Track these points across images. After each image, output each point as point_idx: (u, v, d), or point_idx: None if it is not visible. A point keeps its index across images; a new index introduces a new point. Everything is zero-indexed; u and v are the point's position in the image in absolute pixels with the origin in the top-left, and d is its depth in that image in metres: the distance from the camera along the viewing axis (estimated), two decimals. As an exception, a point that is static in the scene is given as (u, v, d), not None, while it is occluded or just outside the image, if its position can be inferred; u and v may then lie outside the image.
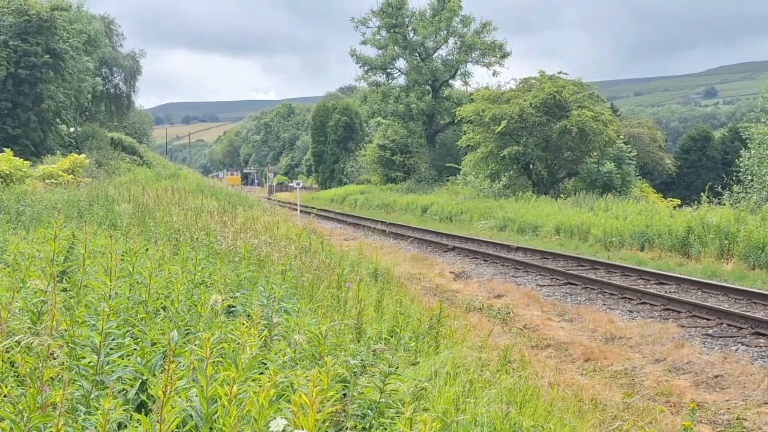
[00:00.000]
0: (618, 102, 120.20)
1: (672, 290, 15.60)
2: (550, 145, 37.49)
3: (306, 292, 7.87)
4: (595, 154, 37.27)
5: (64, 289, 5.46)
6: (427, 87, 53.57)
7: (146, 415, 3.02)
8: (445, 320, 7.61)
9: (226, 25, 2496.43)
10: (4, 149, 27.47)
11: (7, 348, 3.65)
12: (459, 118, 42.46)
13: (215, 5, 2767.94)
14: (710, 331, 11.89)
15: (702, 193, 25.65)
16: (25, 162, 26.61)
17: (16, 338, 3.31)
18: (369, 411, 4.27)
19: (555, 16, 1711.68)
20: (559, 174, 39.38)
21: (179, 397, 3.12)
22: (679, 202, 39.55)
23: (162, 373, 3.35)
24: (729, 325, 12.19)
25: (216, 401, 2.99)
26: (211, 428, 3.02)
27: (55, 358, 3.39)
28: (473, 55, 51.98)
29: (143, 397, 3.60)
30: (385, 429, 4.07)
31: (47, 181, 25.09)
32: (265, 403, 2.83)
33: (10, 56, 39.57)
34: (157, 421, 2.68)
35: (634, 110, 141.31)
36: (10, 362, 3.67)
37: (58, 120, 44.67)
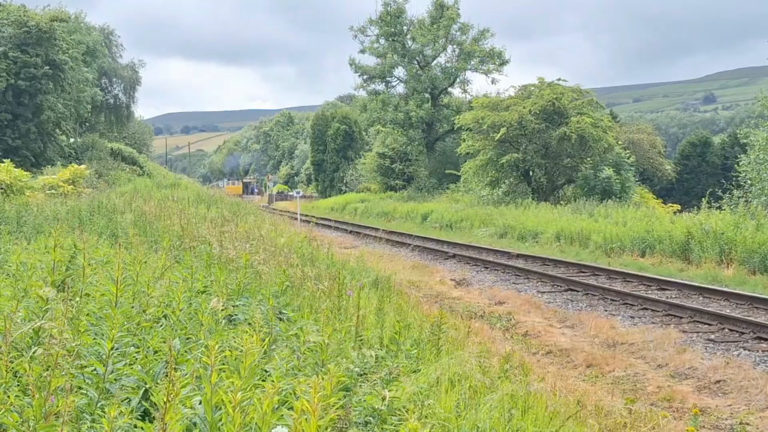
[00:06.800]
0: (617, 108, 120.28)
1: (673, 296, 15.59)
2: (549, 152, 37.54)
3: (307, 301, 7.87)
4: (589, 160, 37.36)
5: (69, 299, 5.47)
6: (426, 95, 53.66)
7: (150, 422, 3.03)
8: (446, 327, 7.61)
9: (221, 33, 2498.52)
10: (4, 160, 27.50)
11: (10, 357, 3.66)
12: (458, 125, 42.54)
13: (209, 14, 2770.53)
14: (712, 337, 11.88)
15: (702, 199, 25.69)
16: (25, 173, 26.64)
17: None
18: (371, 418, 4.27)
19: (554, 22, 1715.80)
20: (559, 181, 39.43)
21: (182, 404, 3.13)
22: (678, 207, 39.63)
23: (165, 380, 3.36)
24: (731, 330, 12.19)
25: (220, 408, 2.99)
26: (214, 436, 3.02)
27: (60, 368, 3.40)
28: (472, 62, 52.10)
29: (146, 404, 3.61)
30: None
31: (48, 191, 25.11)
32: (268, 410, 2.84)
33: (10, 67, 39.67)
34: (161, 429, 2.68)
35: (633, 116, 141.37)
36: (14, 372, 3.68)
37: (58, 131, 44.74)
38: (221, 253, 9.88)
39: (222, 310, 5.14)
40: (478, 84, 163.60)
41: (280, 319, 5.90)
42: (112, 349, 3.64)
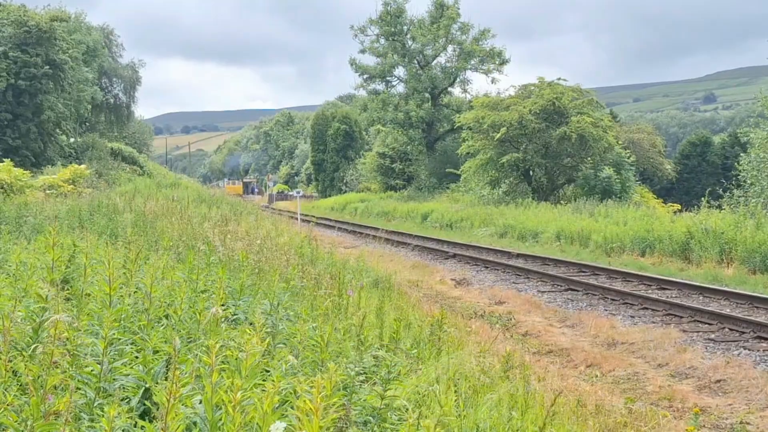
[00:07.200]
0: (617, 108, 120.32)
1: (673, 295, 15.59)
2: (549, 151, 37.54)
3: (307, 300, 7.87)
4: (590, 159, 37.38)
5: (67, 299, 5.47)
6: (427, 95, 53.65)
7: (150, 422, 3.03)
8: (446, 327, 7.61)
9: (221, 33, 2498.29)
10: (4, 160, 27.51)
11: (9, 357, 3.66)
12: (458, 125, 42.54)
13: (209, 14, 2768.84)
14: (712, 336, 11.88)
15: (702, 198, 25.71)
16: (26, 172, 26.65)
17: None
18: (371, 418, 4.27)
19: (554, 22, 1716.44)
20: (559, 180, 39.43)
21: (183, 404, 3.12)
22: (679, 207, 39.60)
23: (165, 380, 3.36)
24: (731, 329, 12.18)
25: (220, 408, 2.99)
26: (214, 435, 3.02)
27: (58, 367, 3.39)
28: (472, 62, 52.09)
29: (147, 404, 3.60)
30: (389, 435, 4.07)
31: (48, 191, 25.12)
32: (269, 410, 2.83)
33: (10, 67, 39.67)
34: (162, 429, 2.68)
35: (634, 116, 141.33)
36: (13, 371, 3.68)
37: (58, 130, 44.72)
38: (223, 253, 9.88)
39: (224, 310, 5.13)
40: (478, 84, 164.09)
41: (282, 319, 5.89)
42: (106, 348, 3.63)
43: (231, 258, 9.64)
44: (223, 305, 5.28)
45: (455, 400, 4.94)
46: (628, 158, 39.97)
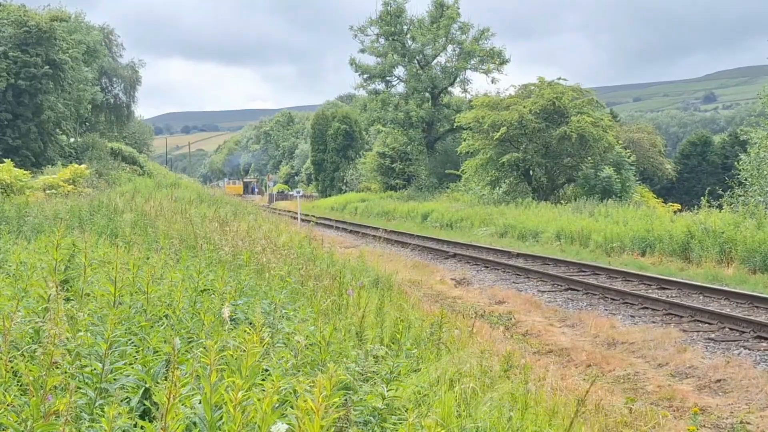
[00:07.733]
0: (617, 108, 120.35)
1: (673, 295, 15.59)
2: (549, 151, 37.54)
3: (307, 299, 7.86)
4: (590, 159, 37.38)
5: (67, 299, 5.46)
6: (427, 94, 53.65)
7: (150, 422, 3.03)
8: (446, 326, 7.61)
9: (221, 33, 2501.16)
10: (4, 160, 27.50)
11: (10, 357, 3.66)
12: (458, 124, 42.53)
13: (209, 14, 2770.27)
14: (712, 336, 11.88)
15: (702, 198, 25.69)
16: (26, 172, 26.65)
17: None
18: (371, 418, 4.27)
19: (554, 22, 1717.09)
20: (559, 180, 39.42)
21: (183, 404, 3.12)
22: (679, 206, 39.60)
23: (165, 380, 3.36)
24: (731, 329, 12.18)
25: (220, 408, 2.99)
26: (214, 435, 3.02)
27: (58, 367, 3.39)
28: (472, 62, 52.08)
29: (147, 404, 3.60)
30: (389, 435, 4.07)
31: (48, 191, 25.12)
32: (269, 410, 2.83)
33: (10, 67, 39.63)
34: (162, 428, 2.68)
35: (634, 116, 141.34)
36: (13, 371, 3.68)
37: (58, 130, 44.68)
38: (222, 253, 9.88)
39: (228, 314, 5.12)
40: (479, 83, 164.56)
41: (281, 318, 5.89)
42: (108, 348, 3.63)
43: (230, 258, 9.63)
44: (223, 305, 5.28)
45: (455, 401, 4.95)
46: (628, 158, 39.96)
